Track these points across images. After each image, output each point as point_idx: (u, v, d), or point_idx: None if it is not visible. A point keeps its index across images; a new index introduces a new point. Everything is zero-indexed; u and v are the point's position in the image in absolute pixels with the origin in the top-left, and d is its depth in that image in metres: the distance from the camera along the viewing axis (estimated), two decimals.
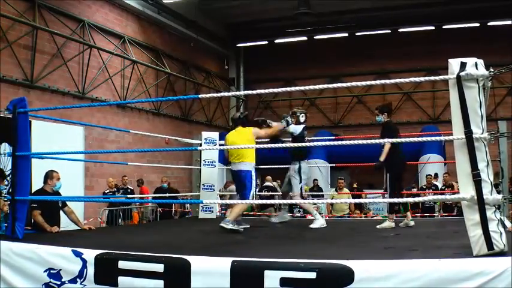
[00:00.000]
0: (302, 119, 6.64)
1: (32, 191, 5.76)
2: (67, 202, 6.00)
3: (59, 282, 3.73)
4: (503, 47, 15.75)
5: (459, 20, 17.12)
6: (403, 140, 4.17)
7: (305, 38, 19.05)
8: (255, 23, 19.20)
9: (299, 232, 5.76)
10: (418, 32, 17.73)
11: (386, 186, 6.05)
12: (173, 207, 12.49)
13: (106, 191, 11.12)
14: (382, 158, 5.82)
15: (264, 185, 12.34)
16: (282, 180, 13.05)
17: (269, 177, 12.77)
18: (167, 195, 10.76)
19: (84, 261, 3.65)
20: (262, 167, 9.57)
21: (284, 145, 5.04)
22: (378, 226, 6.04)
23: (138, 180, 12.66)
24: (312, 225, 6.14)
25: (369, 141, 4.89)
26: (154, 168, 14.36)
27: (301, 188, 6.47)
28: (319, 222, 6.16)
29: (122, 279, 3.52)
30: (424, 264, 3.03)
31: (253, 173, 5.97)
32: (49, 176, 5.74)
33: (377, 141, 5.68)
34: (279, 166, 9.78)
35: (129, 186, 11.76)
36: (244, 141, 5.90)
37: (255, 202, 7.19)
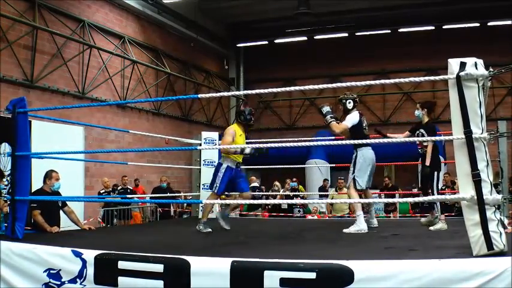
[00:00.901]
0: (350, 105, 5.81)
1: (32, 191, 5.76)
2: (67, 202, 6.00)
3: (58, 283, 3.73)
4: (503, 47, 15.74)
5: (459, 20, 17.12)
6: (402, 139, 4.16)
7: (305, 38, 19.06)
8: (255, 23, 19.20)
9: (299, 232, 5.76)
10: (418, 32, 17.74)
11: (433, 185, 5.67)
12: (171, 207, 12.46)
13: (101, 191, 11.09)
14: (428, 163, 5.55)
15: (251, 185, 12.44)
16: (282, 182, 13.14)
17: (253, 178, 12.88)
18: (167, 195, 10.74)
19: (84, 262, 3.65)
20: (262, 167, 9.60)
21: (264, 145, 5.02)
22: (430, 228, 5.50)
23: (135, 180, 12.65)
24: (346, 230, 5.34)
25: (369, 141, 4.90)
26: (154, 168, 14.36)
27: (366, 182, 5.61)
28: (357, 227, 5.33)
29: (121, 280, 3.51)
30: (424, 264, 3.03)
31: (223, 168, 5.77)
32: (48, 175, 5.75)
33: (377, 141, 5.68)
34: (282, 166, 9.82)
35: (129, 186, 11.75)
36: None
37: (266, 202, 7.04)
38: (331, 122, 5.75)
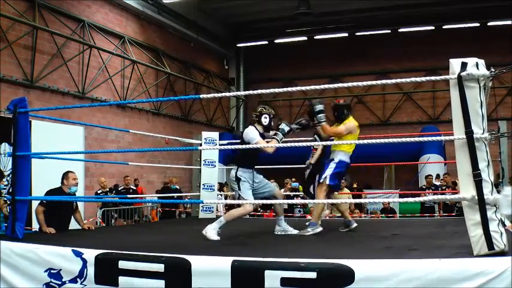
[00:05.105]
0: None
1: (49, 190, 5.72)
2: (79, 209, 5.99)
3: (59, 282, 3.73)
4: (503, 47, 15.75)
5: (459, 20, 17.12)
6: (403, 140, 4.16)
7: (305, 38, 19.06)
8: (255, 23, 19.21)
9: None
10: (418, 32, 17.74)
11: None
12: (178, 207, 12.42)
13: (98, 191, 11.05)
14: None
15: None
16: (282, 182, 13.11)
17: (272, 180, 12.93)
18: (171, 195, 10.70)
19: (85, 261, 3.65)
20: (262, 167, 9.57)
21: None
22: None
23: (135, 180, 12.66)
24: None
25: (368, 141, 4.89)
26: (154, 168, 14.35)
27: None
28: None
29: (122, 279, 3.51)
30: (424, 264, 3.03)
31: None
32: (65, 176, 5.73)
33: (377, 141, 5.68)
34: (282, 166, 9.81)
35: (131, 186, 11.72)
36: None
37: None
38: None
